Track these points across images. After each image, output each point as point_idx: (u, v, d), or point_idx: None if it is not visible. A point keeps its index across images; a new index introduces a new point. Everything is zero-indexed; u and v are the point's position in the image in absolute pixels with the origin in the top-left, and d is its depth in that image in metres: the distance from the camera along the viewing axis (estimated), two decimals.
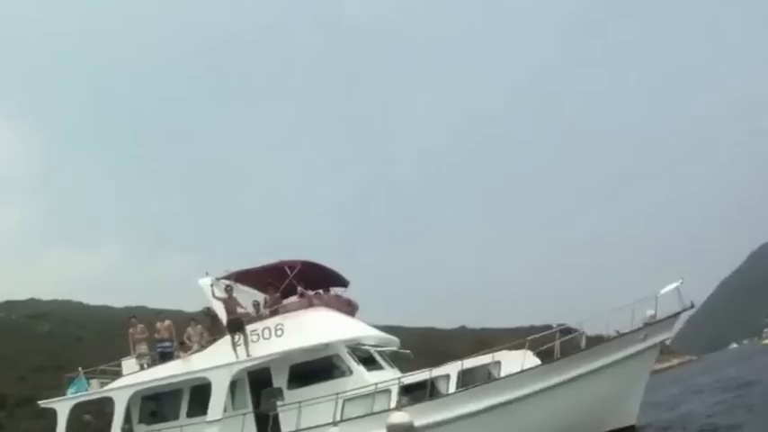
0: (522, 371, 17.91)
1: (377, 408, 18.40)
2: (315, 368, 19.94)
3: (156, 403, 21.88)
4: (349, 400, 18.85)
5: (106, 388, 21.64)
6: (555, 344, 18.77)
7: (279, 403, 19.47)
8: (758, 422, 17.46)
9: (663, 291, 17.99)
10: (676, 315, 18.18)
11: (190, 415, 20.85)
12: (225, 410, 19.85)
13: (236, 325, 19.98)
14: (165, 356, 21.51)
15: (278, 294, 21.09)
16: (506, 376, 17.98)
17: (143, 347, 21.92)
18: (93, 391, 21.90)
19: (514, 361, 18.39)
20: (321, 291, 21.80)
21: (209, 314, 21.61)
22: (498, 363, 18.75)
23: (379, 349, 21.73)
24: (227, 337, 20.30)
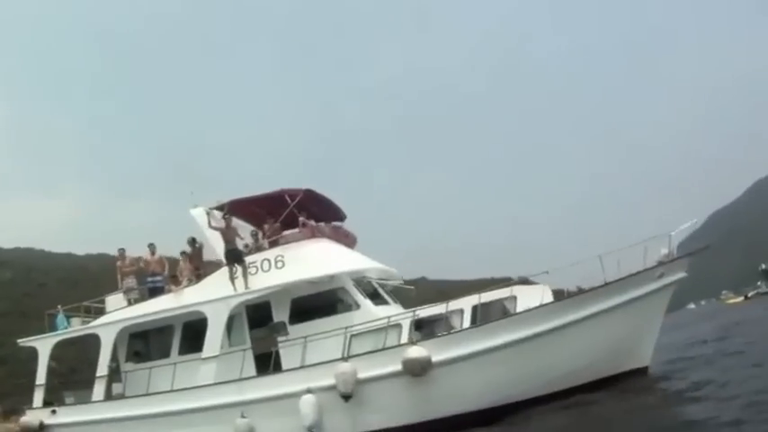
0: (543, 305, 16.95)
1: (388, 343, 17.35)
2: (318, 302, 18.79)
3: (143, 341, 20.52)
4: (357, 335, 17.73)
5: (92, 324, 20.16)
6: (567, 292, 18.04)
7: (281, 338, 18.31)
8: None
9: (677, 230, 17.17)
10: (692, 254, 17.36)
11: (182, 352, 19.54)
12: (221, 347, 18.62)
13: (235, 255, 18.59)
14: (155, 291, 19.99)
15: (278, 224, 19.70)
16: (527, 311, 16.94)
17: (131, 281, 20.39)
18: (78, 327, 20.44)
19: (532, 296, 17.47)
20: (322, 223, 20.47)
21: (193, 244, 20.08)
22: (514, 297, 17.78)
23: (382, 282, 20.61)
24: (223, 269, 18.93)
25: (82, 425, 19.15)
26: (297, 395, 16.75)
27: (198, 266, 19.92)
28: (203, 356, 18.44)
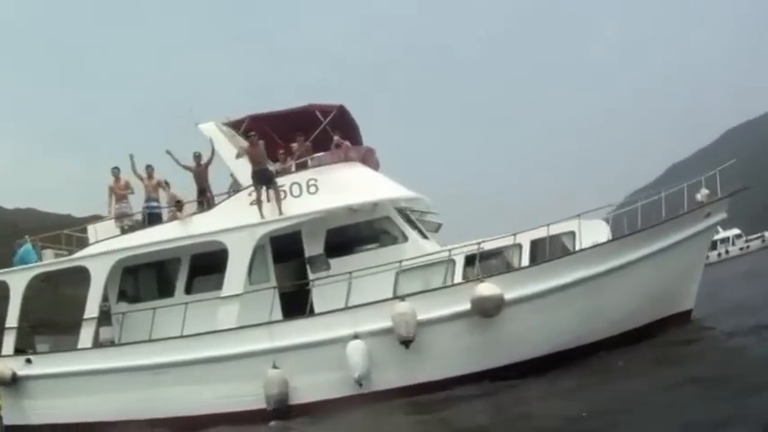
0: (617, 239, 15.26)
1: (440, 281, 15.09)
2: (359, 234, 16.47)
3: (138, 278, 17.42)
4: (404, 271, 15.25)
5: (80, 255, 16.72)
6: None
7: (318, 274, 15.69)
8: None
9: (720, 167, 16.00)
10: (732, 194, 16.01)
11: (190, 291, 16.62)
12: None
13: (265, 177, 15.69)
14: (154, 219, 16.88)
15: (309, 144, 16.87)
16: (600, 245, 15.07)
17: (125, 206, 17.11)
18: (61, 259, 17.00)
19: (593, 231, 15.50)
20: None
21: (199, 161, 16.79)
22: (572, 233, 15.68)
23: (417, 212, 18.20)
24: (242, 194, 16.08)
25: (65, 377, 15.89)
26: (342, 341, 14.26)
27: (204, 188, 16.88)
28: (223, 295, 15.55)
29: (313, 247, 16.08)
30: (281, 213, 15.55)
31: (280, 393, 14.38)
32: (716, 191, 15.87)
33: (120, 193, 17.11)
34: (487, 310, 14.06)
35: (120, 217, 16.95)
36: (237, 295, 15.42)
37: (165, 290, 16.90)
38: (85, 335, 16.20)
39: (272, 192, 15.62)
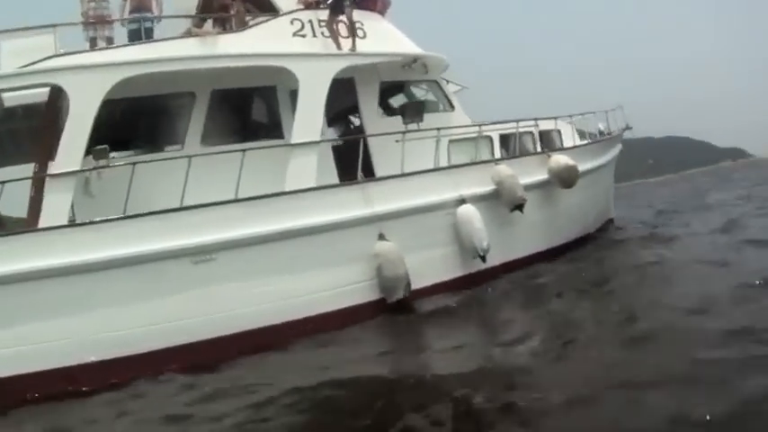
0: (611, 137, 17.56)
1: (482, 156, 13.72)
2: (409, 94, 14.40)
3: (113, 119, 10.72)
4: (458, 141, 13.54)
5: (49, 66, 9.73)
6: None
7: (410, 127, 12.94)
8: None
9: (609, 109, 18.81)
10: (626, 129, 19.03)
11: (209, 141, 11.50)
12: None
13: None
14: (144, 35, 11.22)
15: None
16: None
17: (105, 7, 11.14)
18: (16, 71, 9.59)
19: (570, 132, 16.48)
20: None
21: None
22: (559, 131, 16.23)
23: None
24: (284, 20, 12.00)
25: (20, 281, 8.80)
26: (449, 206, 12.03)
27: (227, 5, 12.28)
28: (294, 140, 11.30)
29: (367, 100, 13.31)
30: (352, 48, 12.33)
31: (405, 275, 10.85)
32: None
33: None
34: (570, 179, 13.78)
35: (95, 23, 10.79)
36: (316, 143, 11.45)
37: (165, 138, 11.51)
38: (54, 204, 9.50)
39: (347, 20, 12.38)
